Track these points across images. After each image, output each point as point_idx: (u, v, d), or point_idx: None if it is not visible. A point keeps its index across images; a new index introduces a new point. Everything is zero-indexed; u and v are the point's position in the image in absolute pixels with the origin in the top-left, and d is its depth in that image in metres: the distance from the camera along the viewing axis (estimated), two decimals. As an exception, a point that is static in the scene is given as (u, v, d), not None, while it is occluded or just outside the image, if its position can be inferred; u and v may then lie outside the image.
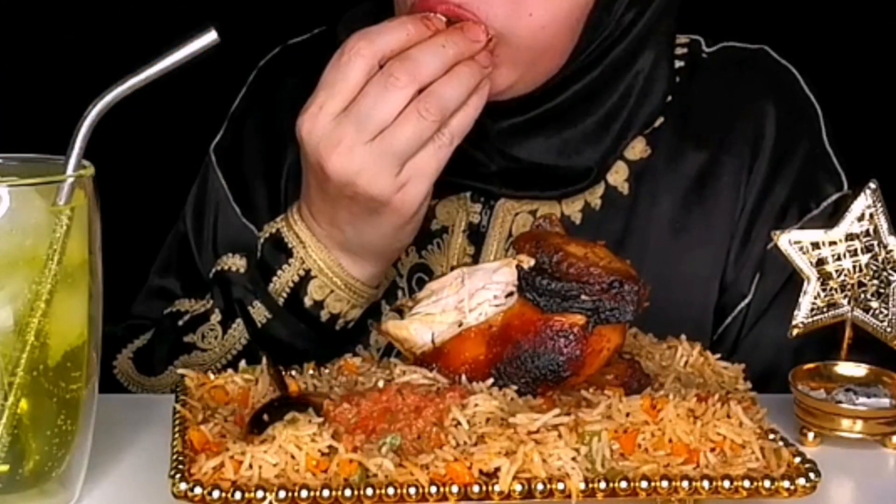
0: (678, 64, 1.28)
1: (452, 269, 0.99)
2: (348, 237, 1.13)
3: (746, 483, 0.84)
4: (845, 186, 1.25)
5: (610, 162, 1.24)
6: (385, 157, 1.05)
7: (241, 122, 1.39)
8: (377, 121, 1.05)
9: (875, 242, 1.06)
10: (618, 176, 1.25)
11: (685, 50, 1.30)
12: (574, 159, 1.23)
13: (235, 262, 1.20)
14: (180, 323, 1.23)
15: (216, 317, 1.20)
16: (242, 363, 0.98)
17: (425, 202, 1.09)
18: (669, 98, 1.26)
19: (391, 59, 1.06)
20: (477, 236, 1.25)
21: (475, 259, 1.24)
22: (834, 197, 1.24)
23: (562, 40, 1.17)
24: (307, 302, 1.16)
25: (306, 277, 1.15)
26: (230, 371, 0.97)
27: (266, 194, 1.34)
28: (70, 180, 0.85)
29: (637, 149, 1.26)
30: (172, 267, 1.37)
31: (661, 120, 1.26)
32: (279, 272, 1.16)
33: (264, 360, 0.96)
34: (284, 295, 1.16)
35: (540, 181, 1.24)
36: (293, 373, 1.00)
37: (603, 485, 0.83)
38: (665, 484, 0.83)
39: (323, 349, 1.10)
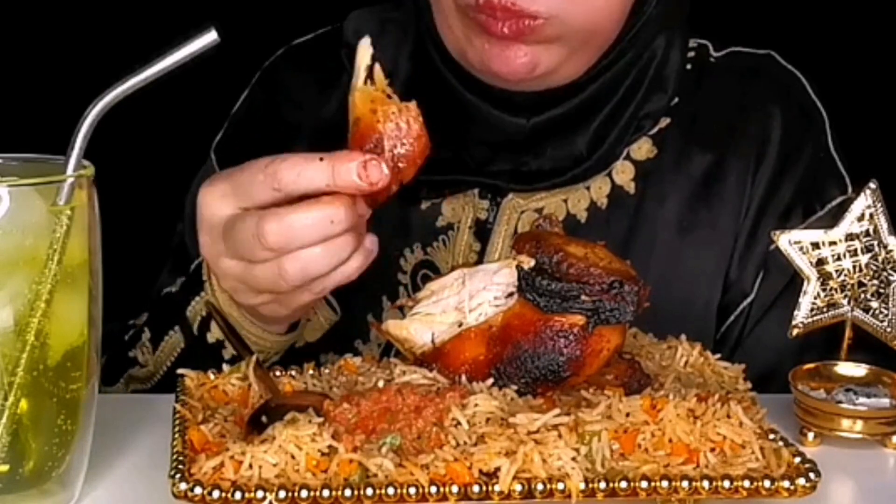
0: (686, 67, 1.29)
1: (453, 269, 0.99)
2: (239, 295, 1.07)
3: (746, 483, 0.84)
4: (849, 190, 1.27)
5: (619, 148, 1.25)
6: (245, 279, 1.01)
7: (243, 121, 1.39)
8: (243, 250, 0.98)
9: (875, 242, 1.06)
10: (624, 176, 1.26)
11: (693, 54, 1.31)
12: (598, 152, 1.24)
13: None
14: (126, 337, 1.22)
15: (146, 335, 1.19)
16: (225, 367, 0.98)
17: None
18: (677, 100, 1.27)
19: (269, 212, 0.95)
20: (483, 233, 1.26)
21: (481, 256, 1.25)
22: (838, 199, 1.26)
23: (613, 21, 1.20)
24: (210, 339, 1.12)
25: (209, 317, 1.11)
26: (228, 369, 0.97)
27: None
28: (70, 180, 0.85)
29: (644, 149, 1.27)
30: (174, 268, 1.37)
31: (667, 121, 1.27)
32: (193, 303, 1.13)
33: (251, 362, 0.96)
34: (196, 325, 1.13)
35: (551, 175, 1.25)
36: (293, 373, 1.00)
37: (603, 485, 0.83)
38: (665, 484, 0.83)
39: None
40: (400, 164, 0.95)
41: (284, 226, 0.94)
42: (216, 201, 1.00)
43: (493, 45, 1.15)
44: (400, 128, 0.95)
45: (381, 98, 0.95)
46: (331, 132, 1.30)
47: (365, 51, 0.95)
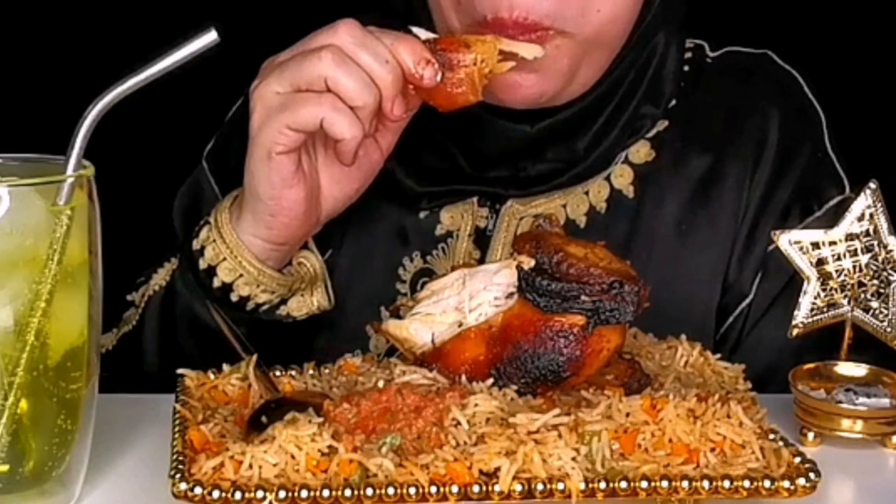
0: (683, 68, 1.29)
1: (453, 269, 0.99)
2: (245, 187, 1.13)
3: (746, 483, 0.84)
4: (847, 190, 1.26)
5: (617, 150, 1.25)
6: (279, 70, 1.06)
7: (236, 130, 1.39)
8: (296, 59, 1.06)
9: (875, 242, 1.06)
10: (623, 179, 1.26)
11: (690, 55, 1.31)
12: (595, 153, 1.25)
13: None
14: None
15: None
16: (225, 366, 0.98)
17: (280, 148, 1.07)
18: (674, 102, 1.27)
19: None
20: (483, 240, 1.26)
21: (480, 263, 1.24)
22: (836, 199, 1.25)
23: (622, 32, 1.20)
24: (202, 264, 1.15)
25: (207, 241, 1.15)
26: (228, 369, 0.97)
27: None
28: (70, 180, 0.85)
29: (642, 152, 1.27)
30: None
31: (665, 124, 1.27)
32: (195, 238, 1.17)
33: (252, 361, 0.96)
34: (191, 259, 1.17)
35: (549, 178, 1.25)
36: (293, 373, 1.00)
37: (603, 485, 0.83)
38: (665, 484, 0.83)
39: (249, 334, 1.08)
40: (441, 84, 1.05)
41: (352, 35, 1.04)
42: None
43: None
44: (468, 68, 1.05)
45: (491, 43, 1.06)
46: None
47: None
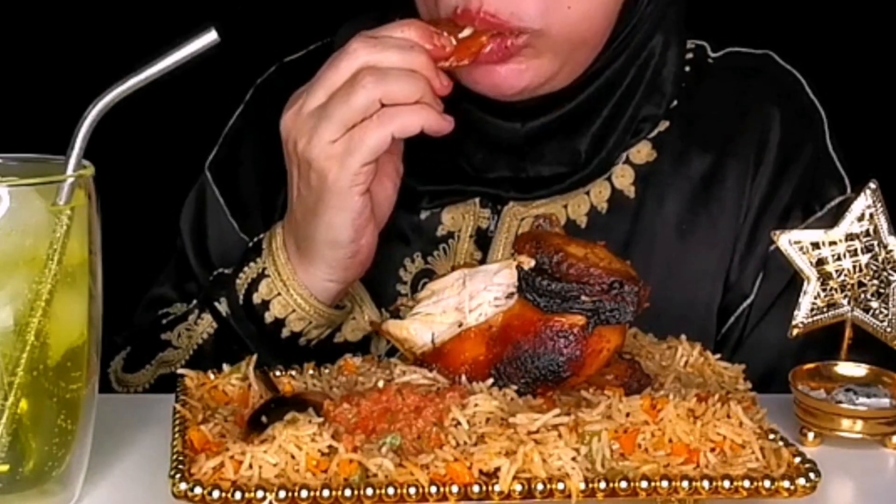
0: (684, 69, 1.29)
1: (453, 269, 0.99)
2: (300, 231, 1.13)
3: (746, 483, 0.84)
4: (848, 190, 1.26)
5: (618, 153, 1.25)
6: (324, 121, 1.07)
7: (237, 138, 1.39)
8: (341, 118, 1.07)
9: (875, 242, 1.06)
10: (624, 179, 1.26)
11: (691, 55, 1.31)
12: (597, 157, 1.24)
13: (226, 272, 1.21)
14: (163, 322, 1.24)
15: (193, 316, 1.21)
16: (226, 366, 0.98)
17: (359, 189, 1.08)
18: (675, 102, 1.27)
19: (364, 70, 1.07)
20: (484, 241, 1.26)
21: (482, 264, 1.24)
22: (837, 200, 1.25)
23: (599, 30, 1.19)
24: (255, 299, 1.16)
25: (260, 276, 1.16)
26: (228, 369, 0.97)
27: (262, 210, 1.33)
28: (70, 180, 0.85)
29: (643, 153, 1.27)
30: (174, 278, 1.37)
31: (666, 124, 1.27)
32: (246, 269, 1.17)
33: (251, 362, 0.96)
34: (243, 291, 1.17)
35: (550, 181, 1.25)
36: (293, 373, 1.00)
37: (603, 485, 0.83)
38: (665, 484, 0.83)
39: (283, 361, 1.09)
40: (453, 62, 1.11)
41: (364, 46, 1.07)
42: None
43: (480, 65, 1.16)
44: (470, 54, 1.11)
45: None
46: None
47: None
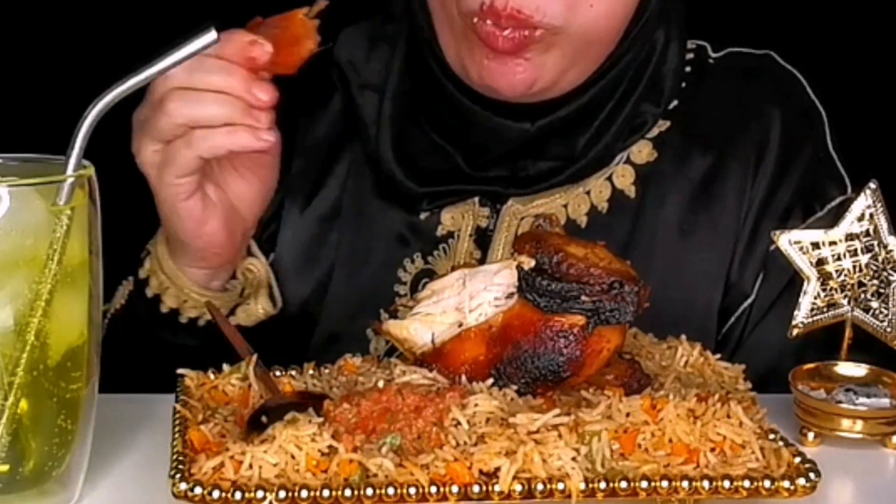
0: (685, 69, 1.29)
1: (453, 269, 0.99)
2: (165, 233, 1.17)
3: (746, 483, 0.84)
4: (849, 190, 1.27)
5: (615, 147, 1.25)
6: (144, 130, 1.08)
7: None
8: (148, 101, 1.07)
9: (875, 242, 1.06)
10: (624, 179, 1.26)
11: (692, 55, 1.31)
12: (594, 150, 1.25)
13: None
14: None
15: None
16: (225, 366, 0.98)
17: (182, 196, 1.09)
18: (676, 102, 1.27)
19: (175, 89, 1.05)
20: (484, 240, 1.26)
21: (481, 263, 1.24)
22: (837, 200, 1.26)
23: (617, 27, 1.20)
24: (141, 274, 1.20)
25: (147, 255, 1.20)
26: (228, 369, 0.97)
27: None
28: (70, 180, 0.85)
29: (644, 152, 1.27)
30: None
31: (667, 124, 1.27)
32: (147, 246, 1.21)
33: (251, 362, 0.96)
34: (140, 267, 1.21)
35: (549, 175, 1.25)
36: (293, 373, 1.00)
37: (603, 485, 0.83)
38: (665, 484, 0.83)
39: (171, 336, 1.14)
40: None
41: (182, 68, 1.00)
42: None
43: (492, 60, 1.15)
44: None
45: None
46: (322, 151, 1.31)
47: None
